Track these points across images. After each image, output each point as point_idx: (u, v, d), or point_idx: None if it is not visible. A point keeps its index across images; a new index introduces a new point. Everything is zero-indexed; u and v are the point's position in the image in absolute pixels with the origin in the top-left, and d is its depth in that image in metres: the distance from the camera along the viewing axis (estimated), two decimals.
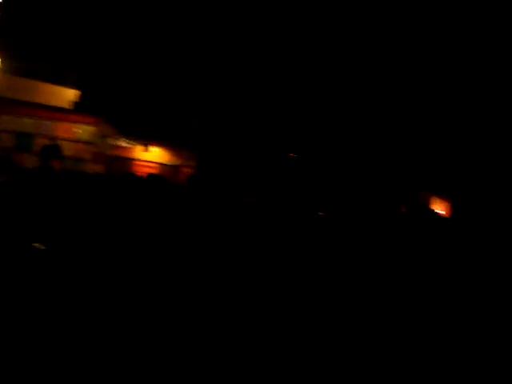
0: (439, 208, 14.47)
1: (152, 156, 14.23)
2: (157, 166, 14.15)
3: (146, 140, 14.01)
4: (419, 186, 14.77)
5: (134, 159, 14.10)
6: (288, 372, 2.68)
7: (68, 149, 12.34)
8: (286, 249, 4.49)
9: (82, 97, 12.98)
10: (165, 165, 14.20)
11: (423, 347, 3.03)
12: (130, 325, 3.14)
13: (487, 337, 3.19)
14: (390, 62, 13.54)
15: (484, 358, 2.91)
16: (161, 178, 7.17)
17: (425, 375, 2.81)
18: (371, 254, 5.02)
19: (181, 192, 6.81)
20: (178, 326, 3.15)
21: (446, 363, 2.88)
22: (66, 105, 12.69)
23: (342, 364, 2.77)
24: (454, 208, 15.10)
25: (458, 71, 13.16)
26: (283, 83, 14.07)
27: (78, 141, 12.42)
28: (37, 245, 2.94)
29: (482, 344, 3.05)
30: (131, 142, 14.00)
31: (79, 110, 12.69)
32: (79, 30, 13.07)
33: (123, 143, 13.89)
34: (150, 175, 7.26)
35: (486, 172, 14.12)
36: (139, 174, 8.86)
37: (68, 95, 12.95)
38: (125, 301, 3.30)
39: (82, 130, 12.50)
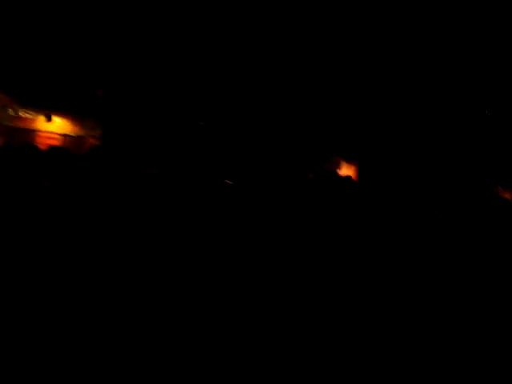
0: (347, 172, 14.90)
1: (55, 127, 13.59)
2: (60, 137, 13.55)
3: (48, 109, 13.33)
4: (328, 151, 15.13)
5: (36, 130, 13.41)
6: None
7: None
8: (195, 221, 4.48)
9: None
10: (69, 136, 13.62)
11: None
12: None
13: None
14: None
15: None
16: (64, 151, 6.90)
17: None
18: (280, 221, 5.10)
19: (85, 165, 6.60)
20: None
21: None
22: None
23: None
24: (361, 172, 15.64)
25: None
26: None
27: None
28: None
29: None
30: (32, 112, 13.28)
31: None
32: None
33: (23, 113, 13.16)
34: (52, 148, 6.96)
35: (392, 135, 14.68)
36: (42, 146, 8.46)
37: None
38: None
39: None
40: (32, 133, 13.24)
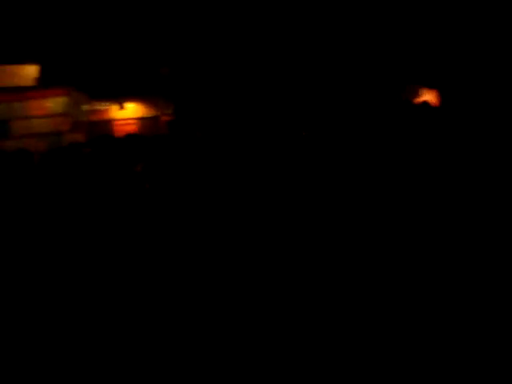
0: (429, 98, 14.33)
1: (129, 113, 14.14)
2: (136, 121, 14.08)
3: (119, 98, 13.89)
4: (408, 79, 14.58)
5: (112, 120, 14.02)
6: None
7: (45, 125, 12.35)
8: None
9: (43, 71, 12.80)
10: (143, 118, 14.12)
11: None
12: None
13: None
14: None
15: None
16: (139, 137, 7.22)
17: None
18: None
19: (162, 141, 6.88)
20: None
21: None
22: (31, 82, 12.55)
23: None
24: (443, 97, 14.99)
25: None
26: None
27: (52, 115, 12.38)
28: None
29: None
30: (105, 103, 13.88)
31: (46, 84, 12.55)
32: (25, 6, 12.71)
33: (97, 106, 13.78)
34: (128, 135, 7.32)
35: (472, 61, 13.92)
36: (119, 133, 8.90)
37: (30, 72, 12.77)
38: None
39: (54, 103, 12.43)
40: (109, 123, 13.86)
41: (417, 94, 14.49)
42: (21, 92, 12.35)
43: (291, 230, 3.78)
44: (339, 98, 12.51)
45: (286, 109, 12.93)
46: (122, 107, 14.01)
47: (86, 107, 13.11)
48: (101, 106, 13.85)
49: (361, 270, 3.19)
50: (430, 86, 14.77)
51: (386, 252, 3.35)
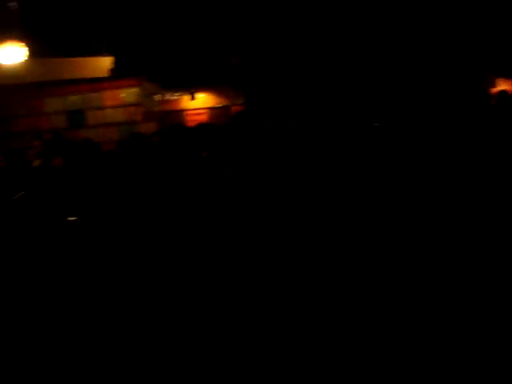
0: (506, 88, 13.65)
1: (200, 102, 14.21)
2: (206, 111, 14.13)
3: (190, 88, 13.96)
4: (485, 69, 13.96)
5: (182, 110, 14.13)
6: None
7: (118, 115, 12.63)
8: None
9: (117, 62, 13.05)
10: (214, 108, 14.16)
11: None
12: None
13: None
14: None
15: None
16: (210, 126, 7.15)
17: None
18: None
19: (230, 131, 6.78)
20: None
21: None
22: (105, 73, 12.81)
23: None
24: None
25: None
26: None
27: (125, 105, 12.63)
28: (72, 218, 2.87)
29: None
30: (176, 93, 14.02)
31: (119, 75, 12.79)
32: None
33: (169, 97, 13.93)
34: (199, 124, 7.26)
35: None
36: (191, 123, 8.92)
37: (104, 64, 13.06)
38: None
39: (127, 94, 12.66)
40: (180, 113, 14.00)
41: (494, 84, 13.87)
42: (95, 83, 12.65)
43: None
44: (415, 88, 12.05)
45: (359, 99, 12.61)
46: (192, 97, 14.09)
47: (157, 97, 13.28)
48: (172, 96, 14.01)
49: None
50: (507, 76, 14.11)
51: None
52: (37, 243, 3.45)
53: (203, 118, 13.58)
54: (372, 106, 11.04)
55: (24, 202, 4.24)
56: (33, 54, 11.69)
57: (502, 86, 13.67)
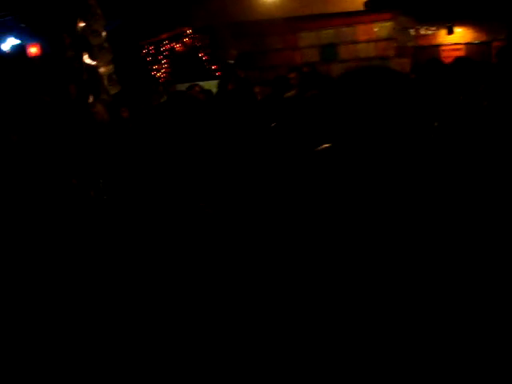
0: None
1: (457, 37, 13.20)
2: (464, 47, 13.11)
3: (448, 22, 13.02)
4: None
5: (437, 45, 13.32)
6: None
7: (371, 50, 12.50)
8: None
9: None
10: (472, 44, 13.06)
11: None
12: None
13: None
14: None
15: None
16: (470, 62, 6.63)
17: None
18: None
19: (492, 70, 6.21)
20: None
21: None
22: (359, 7, 12.65)
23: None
24: None
25: None
26: None
27: (377, 40, 12.44)
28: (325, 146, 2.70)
29: None
30: (432, 27, 13.23)
31: (373, 8, 12.50)
32: None
33: (424, 31, 13.23)
34: (457, 59, 6.77)
35: None
36: (447, 59, 8.38)
37: None
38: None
39: (381, 28, 12.42)
40: (435, 48, 13.23)
41: None
42: (349, 17, 12.63)
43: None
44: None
45: None
46: (450, 32, 13.15)
47: (412, 32, 12.74)
48: (427, 31, 13.27)
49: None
50: None
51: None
52: (291, 173, 3.52)
53: (460, 54, 12.64)
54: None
55: (278, 131, 4.42)
56: None
57: None
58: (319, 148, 2.43)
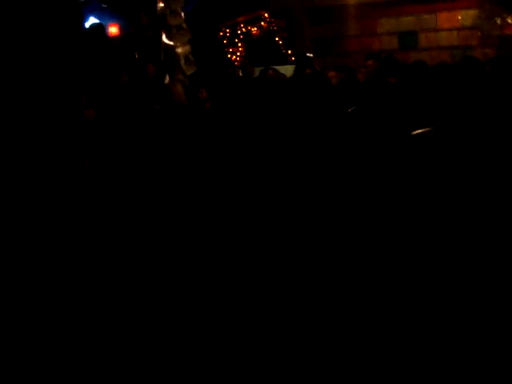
0: None
1: None
2: None
3: None
4: None
5: None
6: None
7: (452, 38, 12.09)
8: None
9: None
10: None
11: None
12: None
13: None
14: None
15: None
16: None
17: None
18: None
19: None
20: None
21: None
22: None
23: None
24: None
25: None
26: None
27: (460, 28, 12.04)
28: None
29: None
30: None
31: None
32: None
33: (511, 20, 12.65)
34: None
35: None
36: None
37: None
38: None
39: (464, 16, 11.99)
40: None
41: None
42: (430, 4, 12.25)
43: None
44: None
45: None
46: None
47: (498, 21, 12.20)
48: None
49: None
50: None
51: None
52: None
53: None
54: None
55: (356, 116, 4.33)
56: None
57: None
58: (416, 132, 2.39)
